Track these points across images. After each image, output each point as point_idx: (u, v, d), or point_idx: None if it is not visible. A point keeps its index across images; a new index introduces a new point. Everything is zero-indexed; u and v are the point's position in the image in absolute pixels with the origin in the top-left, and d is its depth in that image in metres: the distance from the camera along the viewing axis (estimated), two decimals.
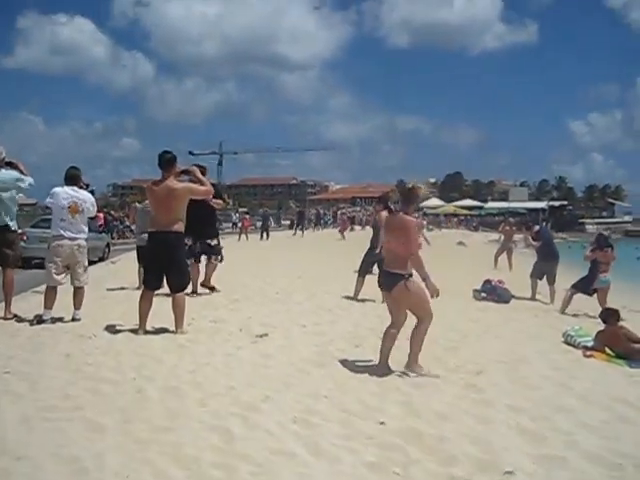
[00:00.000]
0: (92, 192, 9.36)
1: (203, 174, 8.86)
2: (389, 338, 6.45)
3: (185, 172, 8.26)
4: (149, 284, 7.98)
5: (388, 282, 6.37)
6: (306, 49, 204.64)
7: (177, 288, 7.93)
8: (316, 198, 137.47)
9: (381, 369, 6.31)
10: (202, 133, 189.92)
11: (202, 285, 11.27)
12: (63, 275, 8.61)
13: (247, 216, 39.93)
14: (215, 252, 11.31)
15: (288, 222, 55.30)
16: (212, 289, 11.31)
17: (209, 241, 11.14)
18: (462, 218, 76.74)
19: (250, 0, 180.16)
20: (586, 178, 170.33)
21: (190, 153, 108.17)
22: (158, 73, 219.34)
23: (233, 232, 40.87)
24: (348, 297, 11.25)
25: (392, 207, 11.19)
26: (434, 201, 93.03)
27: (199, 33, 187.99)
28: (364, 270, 11.36)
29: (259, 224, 39.46)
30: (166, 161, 7.89)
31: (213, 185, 8.88)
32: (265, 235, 35.70)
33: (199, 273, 11.29)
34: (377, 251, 10.73)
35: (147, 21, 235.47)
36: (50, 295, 8.45)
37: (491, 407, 5.34)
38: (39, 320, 8.28)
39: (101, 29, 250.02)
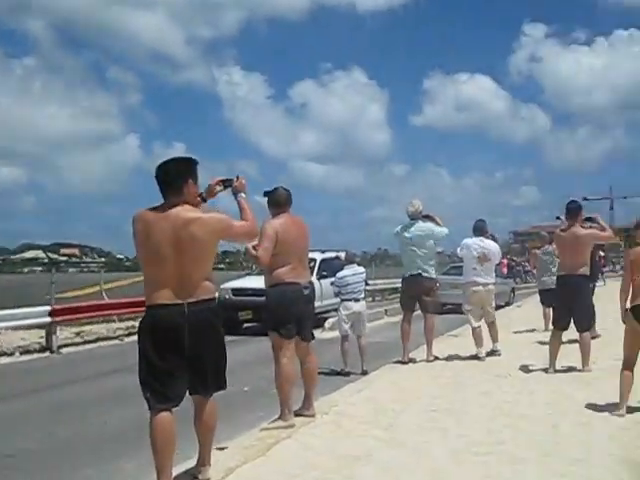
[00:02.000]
0: (495, 240, 10.31)
1: None
2: None
3: (589, 219, 8.62)
4: (558, 324, 8.51)
5: None
6: None
7: (583, 328, 8.36)
8: None
9: None
10: (595, 179, 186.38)
11: None
12: (480, 317, 9.68)
13: None
14: None
15: None
16: None
17: None
18: None
19: (634, 50, 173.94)
20: None
21: (584, 199, 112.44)
22: (553, 124, 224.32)
23: None
24: None
25: None
26: None
27: (589, 84, 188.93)
28: None
29: None
30: (572, 210, 8.42)
31: None
32: None
33: None
34: None
35: (540, 76, 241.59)
36: (476, 335, 9.64)
37: None
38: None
39: (500, 85, 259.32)
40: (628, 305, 6.18)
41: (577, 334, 8.46)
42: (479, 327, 9.70)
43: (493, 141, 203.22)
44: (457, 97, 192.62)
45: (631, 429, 5.70)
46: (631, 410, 6.17)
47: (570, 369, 8.40)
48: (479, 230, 9.74)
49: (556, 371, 8.30)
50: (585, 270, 8.23)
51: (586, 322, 8.46)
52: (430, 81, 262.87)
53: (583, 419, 6.07)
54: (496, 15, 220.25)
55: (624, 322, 6.26)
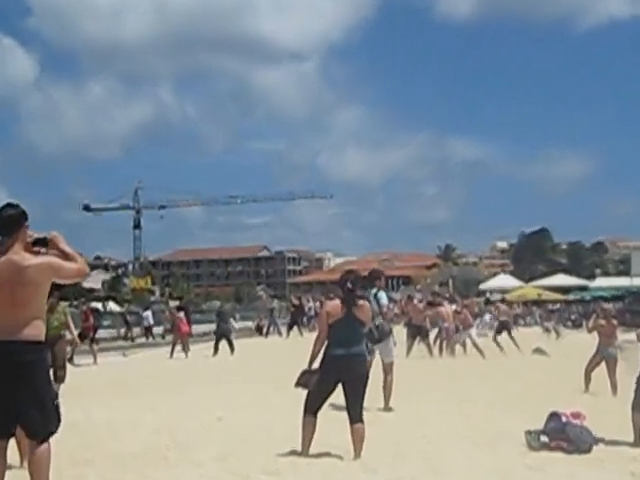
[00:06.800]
0: None
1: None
2: None
3: (42, 243, 4.83)
4: None
5: None
6: (297, 29, 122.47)
7: (37, 433, 4.64)
8: (303, 280, 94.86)
9: None
10: (113, 173, 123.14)
11: None
12: None
13: (181, 314, 22.79)
14: None
15: (254, 323, 36.58)
16: None
17: None
18: (553, 307, 48.97)
19: None
20: None
21: (86, 209, 72.11)
22: (42, 72, 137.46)
23: (148, 343, 29.17)
24: (294, 452, 6.72)
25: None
26: (505, 280, 63.03)
27: (113, 8, 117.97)
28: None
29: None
30: (7, 221, 4.75)
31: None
32: (228, 346, 21.11)
33: None
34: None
35: None
36: None
37: None
38: None
39: None
40: None
41: None
42: None
43: None
44: None
45: None
46: None
47: None
48: None
49: None
50: (35, 334, 4.66)
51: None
52: None
53: None
54: None
55: None
